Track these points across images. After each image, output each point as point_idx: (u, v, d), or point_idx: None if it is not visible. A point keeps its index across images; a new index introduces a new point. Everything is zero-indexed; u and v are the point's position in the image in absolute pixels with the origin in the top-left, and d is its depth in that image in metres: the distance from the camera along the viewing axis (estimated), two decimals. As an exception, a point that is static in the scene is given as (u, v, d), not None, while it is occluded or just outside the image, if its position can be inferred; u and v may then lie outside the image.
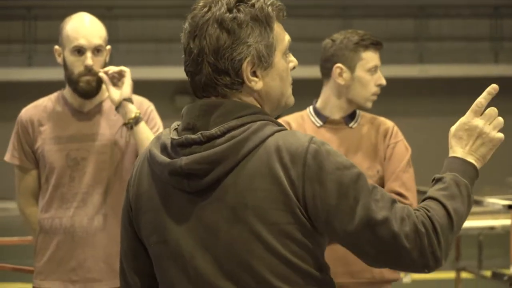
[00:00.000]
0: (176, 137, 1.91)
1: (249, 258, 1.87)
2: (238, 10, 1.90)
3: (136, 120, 3.37)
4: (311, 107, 3.50)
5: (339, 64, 3.39)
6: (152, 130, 3.47)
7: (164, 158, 1.91)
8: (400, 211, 1.85)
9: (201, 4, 1.94)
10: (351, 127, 3.47)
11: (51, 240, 3.49)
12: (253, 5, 1.91)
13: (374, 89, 3.41)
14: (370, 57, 3.42)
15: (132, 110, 3.37)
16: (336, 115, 3.45)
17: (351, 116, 3.48)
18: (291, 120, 3.49)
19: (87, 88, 3.43)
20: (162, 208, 1.94)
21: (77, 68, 3.40)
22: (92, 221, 3.47)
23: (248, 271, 1.87)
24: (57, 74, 14.03)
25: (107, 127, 3.50)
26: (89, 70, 3.39)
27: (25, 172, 3.54)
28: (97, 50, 3.41)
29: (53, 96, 3.58)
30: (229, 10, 1.90)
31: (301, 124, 3.47)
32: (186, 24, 1.95)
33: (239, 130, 1.88)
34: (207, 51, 1.91)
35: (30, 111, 3.54)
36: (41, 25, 16.92)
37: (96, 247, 3.48)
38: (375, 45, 3.43)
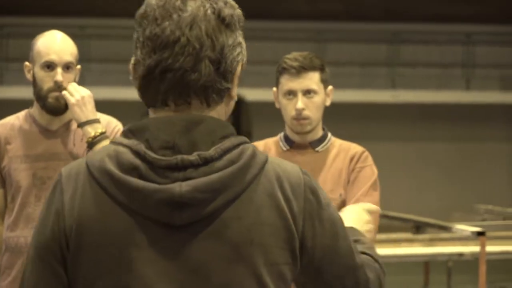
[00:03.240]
0: (162, 157, 1.55)
1: None
2: (231, 6, 1.67)
3: (95, 139, 3.31)
4: (282, 133, 3.52)
5: (274, 89, 3.45)
6: None
7: (144, 183, 1.54)
8: (363, 256, 1.75)
9: None
10: (317, 151, 3.47)
11: (16, 259, 3.45)
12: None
13: (292, 113, 3.39)
14: (285, 82, 3.40)
15: (91, 130, 3.32)
16: (298, 139, 3.47)
17: (320, 140, 3.48)
18: (260, 144, 3.50)
19: (55, 105, 3.39)
20: (124, 244, 1.55)
21: (47, 84, 3.38)
22: None
23: None
24: (29, 92, 13.93)
25: (75, 146, 3.47)
26: (58, 86, 3.36)
27: None
28: (67, 67, 3.39)
29: (21, 114, 3.55)
30: (225, 3, 1.65)
31: (270, 148, 3.50)
32: (173, 4, 1.61)
33: (235, 153, 1.58)
34: (210, 46, 1.60)
35: None
36: (13, 43, 16.85)
37: None
38: (289, 69, 3.39)
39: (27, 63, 3.45)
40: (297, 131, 3.44)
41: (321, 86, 3.41)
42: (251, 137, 16.82)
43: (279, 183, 1.61)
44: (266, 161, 1.62)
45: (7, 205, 3.49)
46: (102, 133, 3.34)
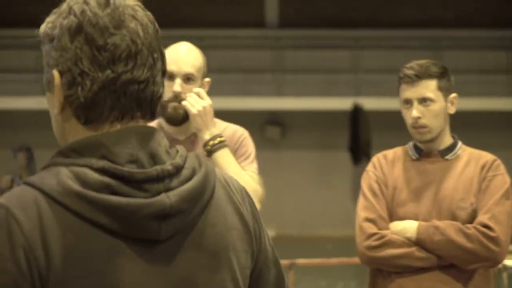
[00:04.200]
0: (140, 170, 1.46)
1: None
2: None
3: (214, 147, 3.34)
4: (412, 142, 3.52)
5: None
6: (242, 157, 3.46)
7: (127, 199, 1.43)
8: None
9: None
10: (447, 159, 3.45)
11: None
12: None
13: (409, 121, 3.42)
14: (402, 90, 3.44)
15: (211, 138, 3.35)
16: (425, 147, 3.48)
17: (450, 148, 3.47)
18: (389, 153, 3.52)
19: (173, 115, 3.42)
20: (107, 269, 1.43)
21: (167, 94, 3.40)
22: None
23: None
24: None
25: (202, 155, 3.49)
26: (175, 97, 3.39)
27: None
28: (187, 78, 3.42)
29: (151, 124, 3.57)
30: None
31: (399, 157, 3.51)
32: (124, 13, 1.51)
33: (192, 160, 1.54)
34: (160, 57, 1.55)
35: None
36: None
37: None
38: (405, 78, 3.43)
39: None
40: (417, 140, 3.45)
41: (439, 94, 3.40)
42: (370, 146, 16.70)
43: (229, 188, 1.60)
44: (214, 167, 1.59)
45: None
46: (221, 142, 3.37)
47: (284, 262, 6.86)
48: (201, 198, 1.51)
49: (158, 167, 1.46)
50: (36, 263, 1.39)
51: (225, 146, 3.38)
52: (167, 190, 1.46)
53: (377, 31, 17.23)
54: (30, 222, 1.40)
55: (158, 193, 1.45)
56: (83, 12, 1.48)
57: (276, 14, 17.70)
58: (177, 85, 3.39)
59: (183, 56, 3.44)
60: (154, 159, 1.48)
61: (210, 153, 3.37)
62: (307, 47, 17.46)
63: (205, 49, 3.64)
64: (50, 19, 1.53)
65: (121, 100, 1.49)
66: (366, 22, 17.38)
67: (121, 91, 1.49)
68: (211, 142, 3.36)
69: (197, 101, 3.38)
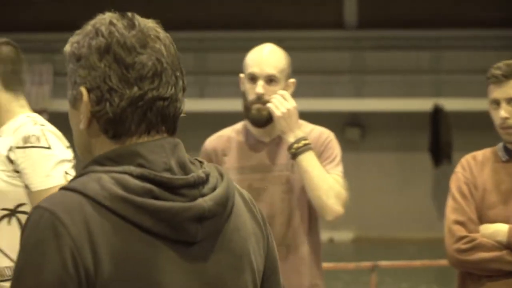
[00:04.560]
0: (179, 177, 1.57)
1: None
2: None
3: (299, 150, 3.35)
4: (501, 143, 3.46)
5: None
6: (327, 160, 3.45)
7: (171, 203, 1.54)
8: None
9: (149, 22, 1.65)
10: None
11: None
12: None
13: (497, 122, 3.36)
14: (490, 91, 3.37)
15: (296, 141, 3.36)
16: None
17: None
18: (478, 154, 3.47)
19: (257, 116, 3.44)
20: (150, 270, 1.53)
21: (250, 96, 3.42)
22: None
23: None
24: (228, 105, 13.93)
25: (287, 157, 3.49)
26: (258, 98, 3.40)
27: None
28: (270, 79, 3.42)
29: (237, 126, 3.61)
30: None
31: (488, 158, 3.45)
32: (149, 34, 1.61)
33: (212, 169, 1.65)
34: (181, 76, 1.66)
35: (214, 141, 3.58)
36: (212, 57, 17.32)
37: None
38: (492, 78, 3.36)
39: (241, 75, 3.51)
40: (505, 141, 3.40)
41: None
42: (451, 148, 16.49)
43: (244, 196, 1.71)
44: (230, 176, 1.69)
45: None
46: (305, 145, 3.38)
47: (366, 264, 6.82)
48: (227, 204, 1.61)
49: (194, 174, 1.58)
50: (84, 264, 1.47)
51: (310, 149, 3.38)
52: (202, 195, 1.57)
53: (458, 31, 17.01)
54: (76, 225, 1.49)
55: (195, 198, 1.56)
56: (111, 33, 1.58)
57: (354, 15, 17.62)
58: (259, 86, 3.40)
59: (265, 57, 3.44)
60: (183, 168, 1.59)
61: (294, 156, 3.38)
62: (386, 47, 17.33)
63: (285, 50, 3.64)
64: (74, 39, 1.62)
65: (147, 115, 1.59)
66: (447, 22, 17.17)
67: (147, 107, 1.58)
68: (295, 145, 3.37)
69: (281, 103, 3.39)
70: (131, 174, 1.53)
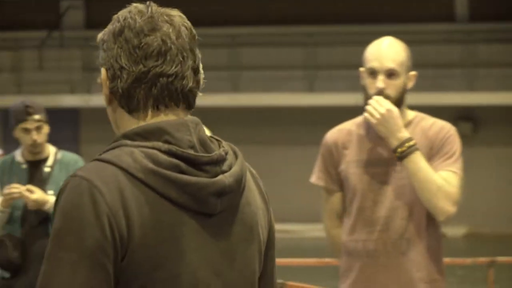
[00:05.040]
0: (203, 154, 1.73)
1: (254, 278, 1.83)
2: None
3: (403, 153, 3.32)
4: None
5: None
6: (446, 155, 3.41)
7: (197, 178, 1.70)
8: None
9: (157, 8, 1.82)
10: None
11: (354, 262, 3.48)
12: None
13: None
14: None
15: (398, 144, 3.33)
16: None
17: None
18: None
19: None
20: (173, 238, 1.70)
21: (371, 90, 3.40)
22: (395, 246, 3.43)
23: None
24: (337, 99, 13.74)
25: None
26: (379, 93, 3.36)
27: (330, 194, 3.56)
28: (390, 73, 3.38)
29: (358, 119, 3.58)
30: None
31: None
32: (159, 19, 1.78)
33: (227, 148, 1.80)
34: (191, 56, 1.80)
35: (335, 134, 3.56)
36: (322, 51, 17.26)
37: (399, 273, 3.45)
38: None
39: (361, 69, 3.48)
40: None
41: None
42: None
43: (252, 173, 1.87)
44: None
45: (345, 208, 3.53)
46: (410, 147, 3.33)
47: (483, 259, 6.68)
48: (242, 180, 1.78)
49: (217, 152, 1.74)
50: (118, 229, 1.65)
51: (415, 150, 3.33)
52: (222, 172, 1.74)
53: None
54: (112, 193, 1.66)
55: (217, 175, 1.72)
56: (125, 19, 1.77)
57: (466, 8, 17.30)
58: (380, 81, 3.36)
59: (385, 51, 3.40)
60: (204, 145, 1.74)
61: (400, 159, 3.34)
62: (498, 40, 16.95)
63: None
64: (105, 29, 1.82)
65: (152, 90, 1.75)
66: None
67: (152, 83, 1.75)
68: (399, 149, 3.34)
69: (375, 109, 3.34)
70: (159, 150, 1.69)
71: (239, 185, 1.77)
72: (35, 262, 4.49)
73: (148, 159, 1.68)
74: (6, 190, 4.50)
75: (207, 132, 1.83)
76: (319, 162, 3.57)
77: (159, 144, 1.70)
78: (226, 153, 1.77)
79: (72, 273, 1.63)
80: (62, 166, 4.69)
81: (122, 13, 1.80)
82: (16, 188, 4.49)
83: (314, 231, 14.55)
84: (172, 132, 1.72)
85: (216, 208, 1.74)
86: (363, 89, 3.46)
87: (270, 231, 1.88)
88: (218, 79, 16.95)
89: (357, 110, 3.64)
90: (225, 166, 1.75)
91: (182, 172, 1.69)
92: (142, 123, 1.76)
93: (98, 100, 15.80)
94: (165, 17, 1.79)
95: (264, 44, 17.30)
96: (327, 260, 6.04)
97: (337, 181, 3.52)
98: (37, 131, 4.61)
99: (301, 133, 16.77)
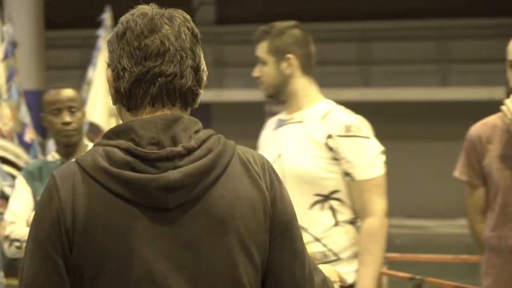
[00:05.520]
0: (152, 151, 1.79)
1: (234, 271, 1.83)
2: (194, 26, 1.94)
3: None
4: None
5: None
6: None
7: (140, 175, 1.77)
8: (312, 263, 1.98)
9: (158, 9, 1.91)
10: None
11: (496, 259, 3.43)
12: None
13: None
14: None
15: None
16: None
17: None
18: None
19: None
20: (124, 231, 1.78)
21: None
22: None
23: (232, 284, 1.83)
24: (471, 94, 13.30)
25: None
26: None
27: (474, 189, 3.51)
28: None
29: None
30: (190, 23, 1.93)
31: None
32: (158, 21, 1.87)
33: (210, 142, 1.85)
34: (191, 56, 1.88)
35: (478, 128, 3.50)
36: (455, 45, 16.96)
37: None
38: None
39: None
40: None
41: None
42: None
43: (250, 163, 1.88)
44: (235, 146, 1.89)
45: (488, 203, 3.47)
46: None
47: None
48: (210, 174, 1.81)
49: (168, 149, 1.79)
50: (65, 223, 1.78)
51: None
52: (176, 167, 1.78)
53: None
54: (66, 189, 1.80)
55: (166, 171, 1.77)
56: (128, 21, 1.87)
57: None
58: None
59: None
60: (175, 141, 1.81)
61: None
62: None
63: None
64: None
65: (151, 89, 1.84)
66: None
67: (151, 82, 1.84)
68: None
69: (509, 109, 3.29)
70: (119, 148, 1.80)
71: (198, 179, 1.80)
72: None
73: (105, 157, 1.80)
74: None
75: None
76: (463, 157, 3.51)
77: (121, 142, 1.81)
78: (190, 149, 1.80)
79: (30, 261, 1.81)
80: None
81: (126, 16, 1.89)
82: None
83: (447, 227, 14.40)
84: (137, 130, 1.82)
85: (167, 203, 1.79)
86: (506, 83, 3.39)
87: (275, 219, 1.88)
88: (348, 74, 16.89)
89: (490, 105, 3.55)
90: (182, 162, 1.79)
91: (132, 168, 1.78)
92: None
93: (229, 95, 16.24)
94: (165, 19, 1.87)
95: (394, 38, 17.11)
96: (463, 256, 5.96)
97: (481, 176, 3.45)
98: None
99: (436, 128, 16.51)
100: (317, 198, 3.39)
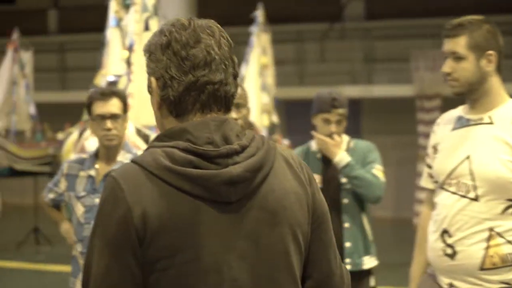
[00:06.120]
0: (213, 149, 1.93)
1: (288, 259, 2.00)
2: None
3: None
4: None
5: None
6: None
7: (203, 171, 1.90)
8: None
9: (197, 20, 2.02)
10: None
11: None
12: None
13: None
14: None
15: None
16: None
17: None
18: None
19: None
20: (192, 224, 1.90)
21: None
22: None
23: (287, 271, 2.00)
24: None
25: None
26: None
27: None
28: None
29: None
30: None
31: None
32: (201, 32, 2.00)
33: (257, 141, 2.01)
34: (231, 64, 2.02)
35: None
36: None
37: None
38: None
39: None
40: None
41: None
42: None
43: (289, 159, 2.08)
44: (276, 145, 2.08)
45: None
46: None
47: None
48: (262, 169, 1.98)
49: (227, 147, 1.96)
50: (134, 220, 1.91)
51: None
52: (235, 163, 1.95)
53: None
54: (130, 190, 1.91)
55: (227, 166, 1.94)
56: (170, 32, 2.01)
57: None
58: None
59: None
60: (226, 140, 1.98)
61: None
62: None
63: None
64: (149, 39, 2.08)
65: (201, 97, 1.99)
66: None
67: (200, 90, 1.99)
68: None
69: None
70: (178, 148, 1.94)
71: (254, 174, 1.95)
72: None
73: (167, 157, 1.92)
74: None
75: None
76: None
77: (179, 143, 1.94)
78: (245, 146, 1.97)
79: (99, 257, 1.92)
80: (355, 154, 4.71)
81: (165, 26, 2.02)
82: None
83: None
84: (192, 131, 1.95)
85: (230, 196, 1.93)
86: None
87: (315, 211, 2.07)
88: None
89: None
90: (239, 158, 1.95)
91: (195, 166, 1.91)
92: None
93: (379, 90, 15.99)
94: (206, 29, 2.00)
95: None
96: None
97: None
98: (337, 124, 4.66)
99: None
100: (510, 203, 3.32)
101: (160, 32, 2.03)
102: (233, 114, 3.88)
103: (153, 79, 2.03)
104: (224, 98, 2.02)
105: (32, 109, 12.61)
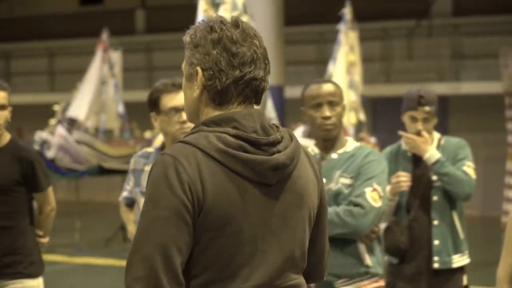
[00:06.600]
0: (263, 137, 2.16)
1: (304, 238, 2.28)
2: None
3: None
4: None
5: None
6: None
7: (255, 156, 2.13)
8: None
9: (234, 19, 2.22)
10: None
11: None
12: None
13: None
14: None
15: None
16: None
17: None
18: None
19: None
20: (239, 201, 2.13)
21: None
22: None
23: (302, 249, 2.27)
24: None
25: None
26: None
27: None
28: None
29: None
30: None
31: None
32: (249, 32, 2.22)
33: (286, 132, 2.26)
34: (268, 63, 2.24)
35: None
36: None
37: None
38: None
39: None
40: None
41: None
42: None
43: (308, 152, 2.36)
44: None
45: None
46: None
47: None
48: (295, 157, 2.23)
49: (274, 136, 2.20)
50: (196, 193, 2.11)
51: None
52: (278, 151, 2.19)
53: None
54: (191, 166, 2.11)
55: (273, 153, 2.18)
56: (222, 30, 2.20)
57: None
58: None
59: None
60: (265, 130, 2.20)
61: None
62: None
63: None
64: (191, 32, 2.27)
65: (245, 91, 2.22)
66: None
67: (246, 84, 2.21)
68: None
69: None
70: (228, 134, 2.15)
71: (291, 162, 2.20)
72: (421, 247, 4.60)
73: (219, 141, 2.12)
74: (394, 179, 4.50)
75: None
76: None
77: (229, 129, 2.15)
78: (282, 137, 2.21)
79: (163, 226, 2.08)
80: (445, 151, 4.68)
81: (215, 24, 2.21)
82: (404, 177, 4.50)
83: None
84: (239, 120, 2.17)
85: (273, 180, 2.17)
86: None
87: (321, 198, 2.35)
88: None
89: None
90: (280, 147, 2.18)
91: (245, 151, 2.13)
92: None
93: (467, 87, 15.83)
94: (251, 30, 2.23)
95: None
96: None
97: None
98: (424, 122, 4.62)
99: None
100: None
101: (209, 28, 2.22)
102: (327, 112, 3.83)
103: (199, 69, 2.22)
104: (261, 93, 2.25)
105: (120, 108, 12.91)
